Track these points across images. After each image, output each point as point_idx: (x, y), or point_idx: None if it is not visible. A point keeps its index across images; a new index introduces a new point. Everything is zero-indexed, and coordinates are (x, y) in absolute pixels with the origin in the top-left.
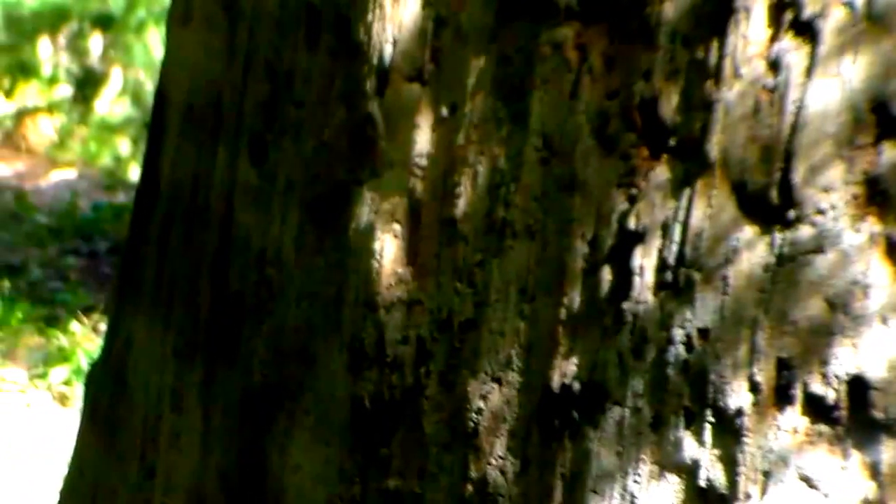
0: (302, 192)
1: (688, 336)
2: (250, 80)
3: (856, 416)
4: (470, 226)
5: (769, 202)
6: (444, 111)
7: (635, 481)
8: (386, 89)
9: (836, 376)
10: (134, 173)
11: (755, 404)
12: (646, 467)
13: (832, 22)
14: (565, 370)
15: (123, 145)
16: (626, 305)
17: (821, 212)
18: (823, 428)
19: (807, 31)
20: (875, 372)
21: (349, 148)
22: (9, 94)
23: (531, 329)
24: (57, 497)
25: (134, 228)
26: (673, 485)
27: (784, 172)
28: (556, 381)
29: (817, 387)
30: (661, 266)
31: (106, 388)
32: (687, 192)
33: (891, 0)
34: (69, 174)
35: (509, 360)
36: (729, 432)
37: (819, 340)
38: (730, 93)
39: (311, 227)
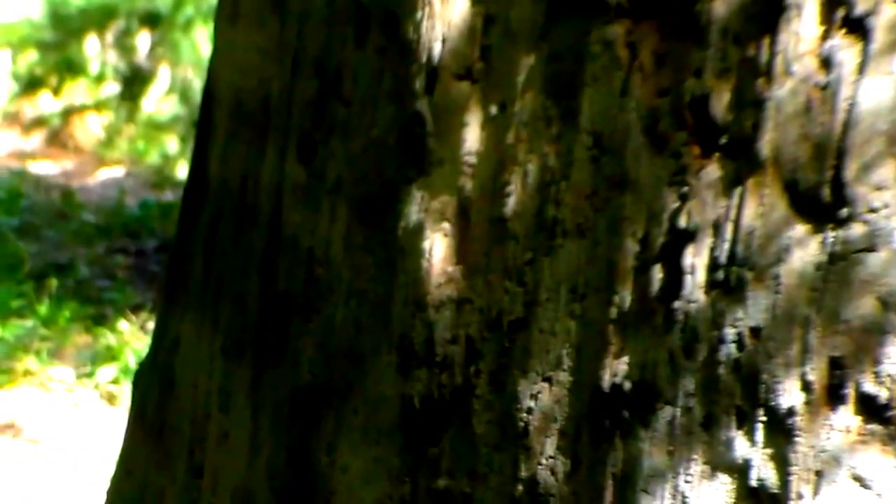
0: (350, 191)
1: (739, 335)
2: (298, 78)
3: None
4: (520, 224)
5: (821, 200)
6: (494, 109)
7: (686, 481)
8: (435, 87)
9: (889, 375)
10: (181, 171)
11: (807, 403)
12: (697, 467)
13: (884, 19)
14: (616, 369)
15: (171, 143)
16: (677, 304)
17: (873, 210)
18: (876, 427)
19: (858, 28)
20: None
21: (398, 146)
22: (56, 92)
23: (582, 328)
24: (104, 497)
25: (182, 227)
26: (724, 484)
27: (836, 170)
28: (606, 381)
29: (869, 386)
30: (713, 265)
31: (153, 387)
32: (738, 190)
33: None
34: (117, 172)
35: (560, 360)
36: (781, 432)
37: (871, 339)
38: (781, 91)
39: (360, 225)
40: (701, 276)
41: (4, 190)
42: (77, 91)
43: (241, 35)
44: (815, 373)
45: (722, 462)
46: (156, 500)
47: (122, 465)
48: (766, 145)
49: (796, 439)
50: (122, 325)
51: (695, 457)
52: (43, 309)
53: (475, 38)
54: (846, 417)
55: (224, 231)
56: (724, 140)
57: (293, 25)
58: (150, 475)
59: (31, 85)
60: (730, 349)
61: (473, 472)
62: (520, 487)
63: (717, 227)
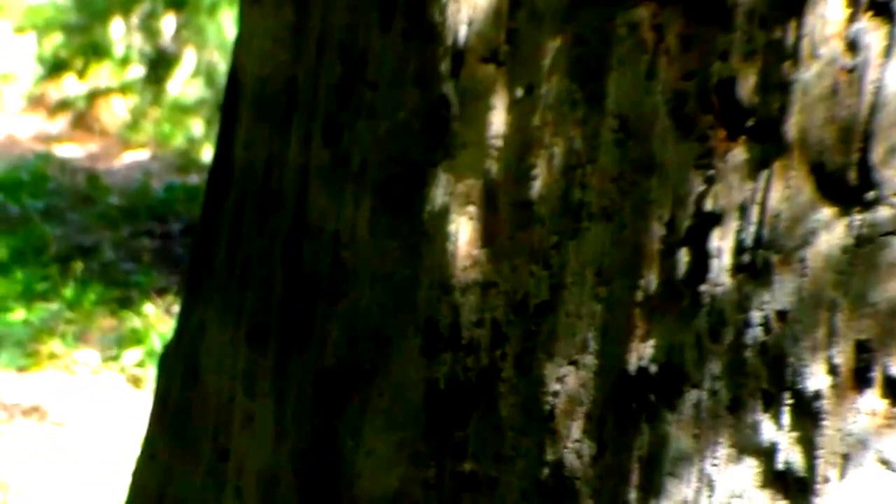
0: (376, 174)
1: (766, 318)
2: (323, 62)
3: None
4: (546, 208)
5: (847, 183)
6: (520, 92)
7: (713, 464)
8: (461, 70)
9: None
10: (207, 154)
11: (833, 387)
12: (723, 450)
13: None
14: (642, 353)
15: (196, 126)
16: (703, 287)
17: None
18: None
19: (885, 11)
20: None
21: (423, 129)
22: (81, 74)
23: (607, 311)
24: (129, 480)
25: (206, 211)
26: (750, 468)
27: (862, 153)
28: (632, 364)
29: None
30: (739, 248)
31: (178, 371)
32: (765, 173)
33: None
34: (142, 155)
35: (586, 343)
36: (807, 415)
37: None
38: (808, 73)
39: (385, 208)
40: (727, 259)
41: (30, 173)
42: (102, 74)
43: (265, 19)
44: (842, 356)
45: (748, 445)
46: (180, 484)
47: (146, 448)
48: (792, 128)
49: (823, 423)
50: (148, 308)
51: (721, 440)
52: (68, 292)
53: (501, 21)
54: (873, 400)
55: (249, 215)
56: (750, 123)
57: (317, 9)
58: (174, 459)
59: (56, 68)
60: (756, 332)
61: (499, 456)
62: (545, 471)
63: (743, 210)
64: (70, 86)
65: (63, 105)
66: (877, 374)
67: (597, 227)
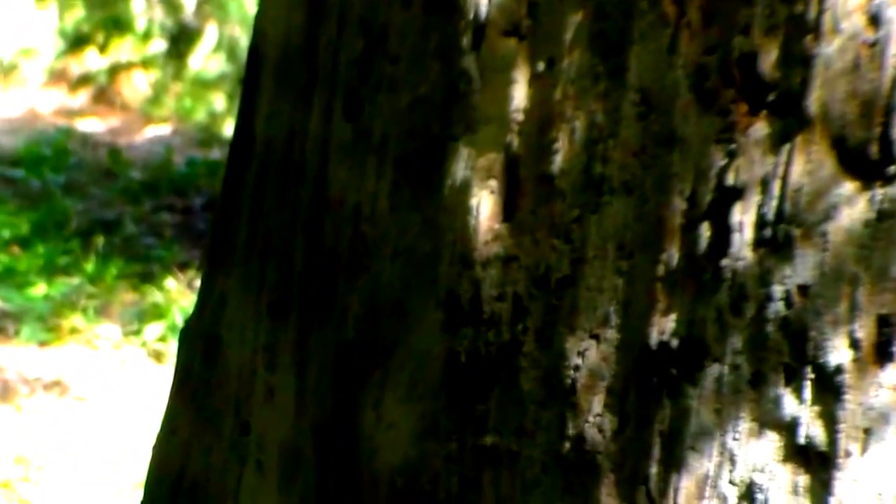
0: (397, 148)
1: (787, 292)
2: (344, 36)
3: None
4: (567, 182)
5: (869, 158)
6: (541, 66)
7: (734, 438)
8: (482, 44)
9: None
10: (228, 129)
11: (855, 361)
12: (745, 424)
13: None
14: (663, 327)
15: (218, 101)
16: (724, 262)
17: None
18: None
19: None
20: None
21: (444, 103)
22: (103, 49)
23: (629, 285)
24: (150, 454)
25: (227, 185)
26: (772, 442)
27: (884, 128)
28: (654, 338)
29: None
30: (760, 222)
31: (199, 345)
32: (786, 147)
33: None
34: (163, 130)
35: (607, 317)
36: (829, 389)
37: None
38: (829, 48)
39: (406, 182)
40: (749, 233)
41: (51, 148)
42: (124, 48)
43: None
44: (863, 330)
45: (770, 420)
46: (202, 458)
47: (167, 422)
48: (813, 102)
49: (844, 397)
50: (169, 282)
51: (743, 414)
52: (90, 266)
53: None
54: (894, 375)
55: (270, 189)
56: (771, 97)
57: None
58: (195, 433)
59: (77, 42)
60: (778, 307)
61: (520, 430)
62: (567, 445)
63: (764, 185)
64: (91, 60)
65: (84, 79)
66: None
67: (618, 201)
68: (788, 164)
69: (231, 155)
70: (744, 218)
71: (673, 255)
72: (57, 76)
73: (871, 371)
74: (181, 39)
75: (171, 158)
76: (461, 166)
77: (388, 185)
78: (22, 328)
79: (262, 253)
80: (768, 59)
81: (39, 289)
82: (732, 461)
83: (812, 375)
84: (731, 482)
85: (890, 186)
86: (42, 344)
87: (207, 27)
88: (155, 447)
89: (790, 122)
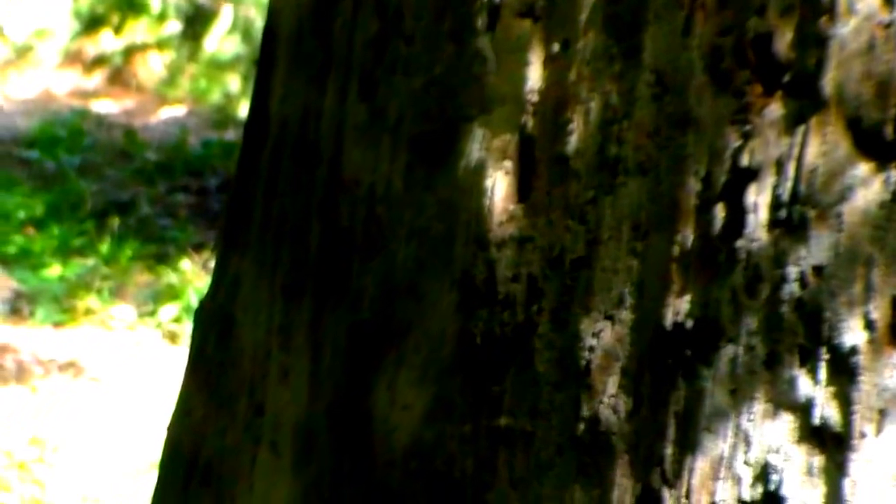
0: (411, 129)
1: (802, 274)
2: (359, 16)
3: None
4: (582, 162)
5: (884, 139)
6: (556, 47)
7: (749, 420)
8: (497, 25)
9: None
10: (243, 110)
11: (870, 342)
12: (759, 406)
13: None
14: (678, 308)
15: (233, 82)
16: (739, 243)
17: None
18: None
19: None
20: None
21: (459, 84)
22: (118, 30)
23: (644, 266)
24: (165, 434)
25: (242, 166)
26: (787, 423)
27: None
28: (668, 319)
29: None
30: (775, 203)
31: (213, 326)
32: (801, 128)
33: None
34: (178, 111)
35: (622, 298)
36: (844, 370)
37: None
38: (844, 29)
39: (421, 163)
40: (763, 214)
41: (66, 129)
42: (139, 29)
43: None
44: (879, 311)
45: (785, 401)
46: (216, 439)
47: (181, 403)
48: (829, 83)
49: (859, 378)
50: (184, 263)
51: (757, 395)
52: (104, 248)
53: None
54: None
55: (285, 169)
56: (786, 78)
57: None
58: (210, 414)
59: (92, 23)
60: (792, 288)
61: (535, 411)
62: (581, 426)
63: (779, 166)
64: (106, 41)
65: (99, 61)
66: None
67: (633, 182)
68: (803, 145)
69: (245, 136)
70: (759, 199)
71: (688, 236)
72: (72, 57)
73: (886, 352)
74: (196, 21)
75: (186, 139)
76: (476, 147)
77: (403, 165)
78: (37, 309)
79: (276, 234)
80: (783, 40)
81: (54, 270)
82: (747, 442)
83: (827, 356)
84: (745, 463)
85: None
86: (57, 325)
87: (223, 8)
88: (169, 428)
89: (805, 103)
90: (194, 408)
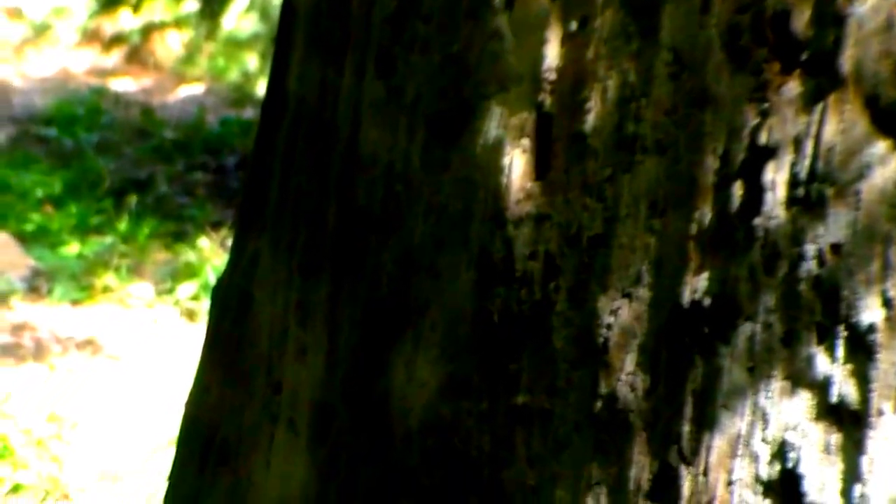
0: (429, 107)
1: (820, 251)
2: None
3: None
4: (599, 140)
5: None
6: (574, 26)
7: (767, 397)
8: (514, 3)
9: None
10: (261, 88)
11: (888, 320)
12: (777, 383)
13: None
14: (696, 286)
15: (251, 60)
16: (757, 221)
17: None
18: None
19: None
20: None
21: (477, 62)
22: (136, 8)
23: (661, 244)
24: (182, 412)
25: (260, 144)
26: (805, 401)
27: None
28: (686, 297)
29: None
30: (793, 181)
31: (231, 303)
32: (819, 106)
33: None
34: (196, 89)
35: (639, 276)
36: (861, 348)
37: None
38: (862, 7)
39: (439, 141)
40: (781, 192)
41: (84, 107)
42: (157, 8)
43: None
44: None
45: (802, 378)
46: (234, 416)
47: (199, 380)
48: (847, 61)
49: (877, 356)
50: (202, 241)
51: (775, 373)
52: (122, 226)
53: None
54: None
55: (302, 147)
56: (804, 56)
57: None
58: (227, 391)
59: (110, 2)
60: (810, 265)
61: (552, 389)
62: (599, 403)
63: (797, 144)
64: (125, 20)
65: (117, 39)
66: None
67: (651, 160)
68: (821, 123)
69: (263, 114)
70: (776, 177)
71: (705, 213)
72: (90, 36)
73: None
74: None
75: (203, 118)
76: (493, 125)
77: (421, 143)
78: (55, 287)
79: (293, 212)
80: (801, 18)
81: (72, 248)
82: (765, 420)
83: (845, 334)
84: (763, 441)
85: None
86: (75, 303)
87: None
88: (186, 406)
89: (823, 81)
90: (212, 385)
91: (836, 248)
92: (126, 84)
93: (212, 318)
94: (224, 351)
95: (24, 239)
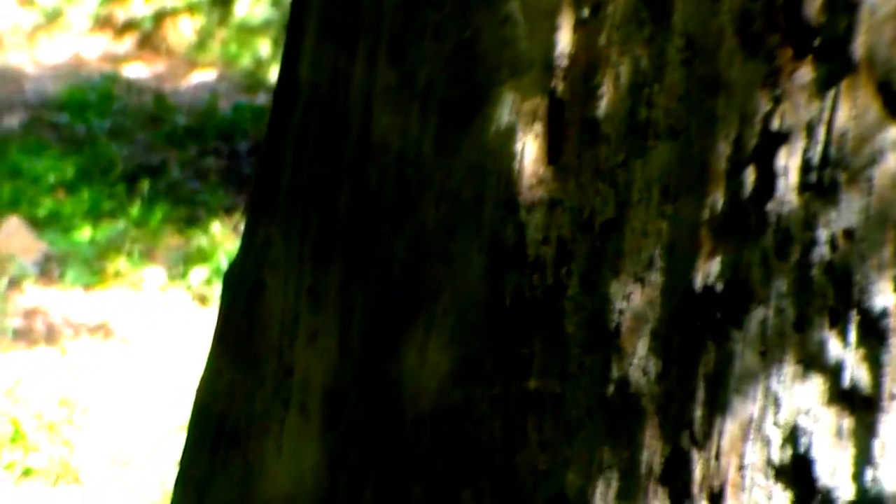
0: (441, 93)
1: (832, 237)
2: None
3: None
4: (612, 126)
5: None
6: (586, 12)
7: (779, 382)
8: None
9: None
10: (273, 74)
11: None
12: (789, 368)
13: None
14: (708, 270)
15: (263, 47)
16: (770, 206)
17: None
18: None
19: None
20: None
21: (489, 49)
22: None
23: (674, 229)
24: (193, 396)
25: (272, 130)
26: (817, 385)
27: None
28: (698, 282)
29: None
30: (806, 167)
31: (243, 288)
32: (831, 92)
33: None
34: (208, 76)
35: (651, 261)
36: (873, 333)
37: None
38: None
39: (451, 127)
40: (794, 178)
41: (96, 93)
42: None
43: None
44: None
45: (815, 363)
46: (245, 401)
47: (210, 365)
48: (859, 47)
49: (889, 341)
50: (215, 226)
51: (787, 358)
52: (135, 210)
53: None
54: None
55: (314, 133)
56: (817, 42)
57: None
58: (239, 376)
59: None
60: (823, 251)
61: (564, 373)
62: (611, 388)
63: (810, 129)
64: (137, 6)
65: (130, 25)
66: None
67: (663, 145)
68: (834, 108)
69: (275, 100)
70: (789, 162)
71: (718, 199)
72: (102, 22)
73: None
74: None
75: (216, 104)
76: (505, 111)
77: (433, 130)
78: (67, 272)
79: (305, 198)
80: (813, 5)
81: (85, 233)
82: (777, 404)
83: (857, 319)
84: (775, 425)
85: None
86: (87, 287)
87: None
88: (198, 391)
89: (835, 66)
90: (223, 370)
91: (848, 233)
92: (138, 70)
93: (223, 303)
94: (235, 336)
95: (37, 224)
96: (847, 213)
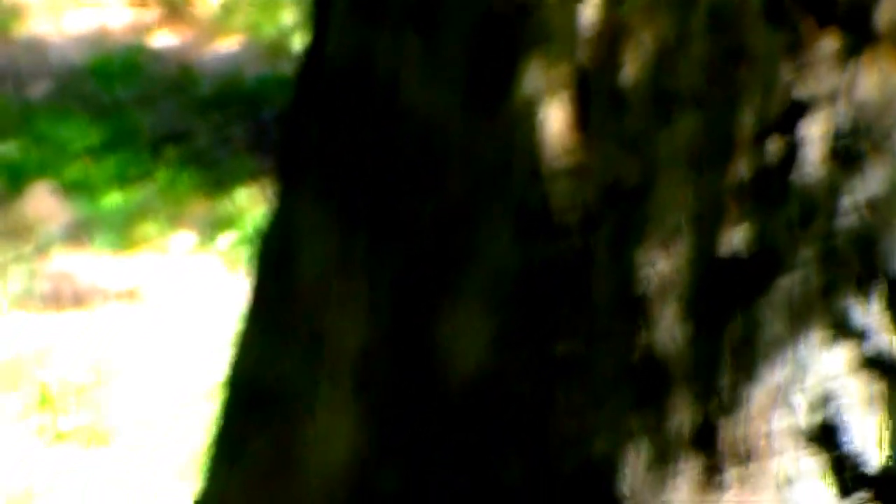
0: (467, 62)
1: (856, 205)
2: None
3: None
4: (637, 96)
5: None
6: None
7: (806, 348)
8: None
9: None
10: (299, 44)
11: None
12: (816, 335)
13: None
14: (734, 238)
15: (289, 17)
16: (794, 175)
17: None
18: None
19: None
20: None
21: (515, 17)
22: None
23: (699, 198)
24: (224, 364)
25: (297, 98)
26: (844, 352)
27: None
28: (724, 249)
29: None
30: (829, 136)
31: (271, 255)
32: (854, 62)
33: None
34: (234, 45)
35: (678, 228)
36: None
37: None
38: None
39: (477, 96)
40: (817, 147)
41: (122, 62)
42: None
43: None
44: None
45: (841, 330)
46: (275, 367)
47: (242, 334)
48: (882, 17)
49: None
50: (241, 192)
51: (814, 325)
52: (162, 177)
53: None
54: None
55: (340, 101)
56: (839, 12)
57: None
58: (268, 342)
59: None
60: (847, 219)
61: (592, 339)
62: (638, 355)
63: (833, 99)
64: None
65: None
66: None
67: (688, 115)
68: (856, 78)
69: (301, 70)
70: (812, 132)
71: (742, 167)
72: None
73: None
74: None
75: (241, 72)
76: (531, 79)
77: (459, 98)
78: (95, 237)
79: (332, 165)
80: None
81: (112, 198)
82: (804, 371)
83: (882, 286)
84: (802, 392)
85: None
86: (115, 252)
87: None
88: (232, 357)
89: (858, 36)
90: (253, 335)
91: (872, 201)
92: (163, 40)
93: (252, 271)
94: (266, 303)
95: (64, 190)
96: (870, 181)
